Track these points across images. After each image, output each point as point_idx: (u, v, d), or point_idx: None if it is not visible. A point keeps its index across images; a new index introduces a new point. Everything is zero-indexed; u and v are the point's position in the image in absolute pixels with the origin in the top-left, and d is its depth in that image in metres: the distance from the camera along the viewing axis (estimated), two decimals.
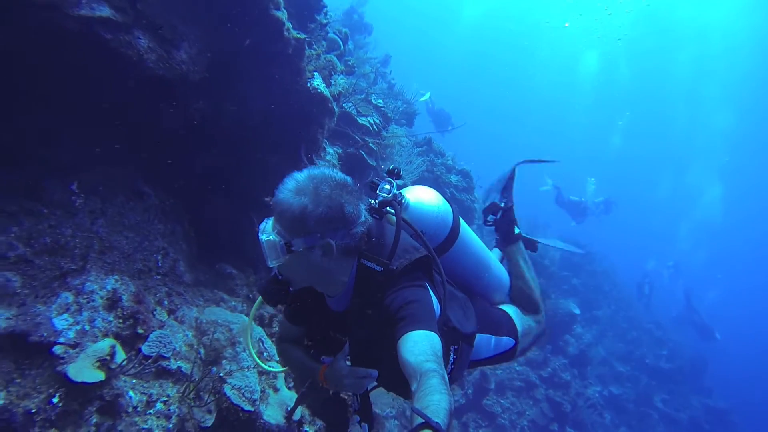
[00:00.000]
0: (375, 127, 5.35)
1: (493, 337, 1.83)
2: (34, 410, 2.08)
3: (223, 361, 2.89)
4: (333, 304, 1.49)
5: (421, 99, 9.25)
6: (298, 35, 3.77)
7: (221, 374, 2.75)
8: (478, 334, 1.70)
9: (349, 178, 1.36)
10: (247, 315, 3.39)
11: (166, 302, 3.07)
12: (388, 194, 1.51)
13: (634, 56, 30.37)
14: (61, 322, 2.42)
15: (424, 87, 10.30)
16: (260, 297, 1.58)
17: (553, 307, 9.97)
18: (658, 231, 34.34)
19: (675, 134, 34.34)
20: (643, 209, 36.83)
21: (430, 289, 1.42)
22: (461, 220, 1.78)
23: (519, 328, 1.95)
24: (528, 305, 2.08)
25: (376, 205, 1.48)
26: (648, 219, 37.22)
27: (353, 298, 1.42)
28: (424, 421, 0.91)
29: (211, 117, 3.75)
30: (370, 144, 5.14)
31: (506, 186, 2.33)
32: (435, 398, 1.00)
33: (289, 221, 1.27)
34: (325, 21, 4.74)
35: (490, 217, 2.30)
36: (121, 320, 2.63)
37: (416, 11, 37.29)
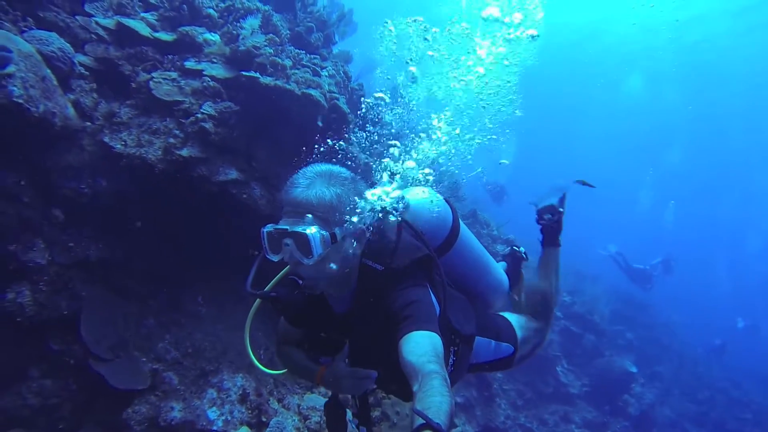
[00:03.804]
0: None
1: (493, 342, 1.91)
2: None
3: None
4: (336, 305, 1.53)
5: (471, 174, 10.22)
6: (367, 159, 4.90)
7: None
8: (477, 337, 1.77)
9: (350, 172, 1.46)
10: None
11: (275, 392, 4.05)
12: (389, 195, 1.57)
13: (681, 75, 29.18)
14: (212, 413, 3.44)
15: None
16: (256, 302, 1.67)
17: (606, 365, 10.18)
18: (726, 241, 32.72)
19: (733, 147, 33.02)
20: (708, 232, 35.63)
21: (430, 290, 1.47)
22: (461, 222, 1.83)
23: (519, 335, 2.03)
24: (544, 310, 2.22)
25: (378, 207, 1.51)
26: (714, 237, 35.69)
27: (355, 299, 1.47)
28: (425, 422, 0.94)
29: None
30: None
31: (563, 197, 2.47)
32: (436, 400, 1.03)
33: (325, 211, 1.32)
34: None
35: (547, 216, 2.37)
36: (250, 411, 3.62)
37: None
